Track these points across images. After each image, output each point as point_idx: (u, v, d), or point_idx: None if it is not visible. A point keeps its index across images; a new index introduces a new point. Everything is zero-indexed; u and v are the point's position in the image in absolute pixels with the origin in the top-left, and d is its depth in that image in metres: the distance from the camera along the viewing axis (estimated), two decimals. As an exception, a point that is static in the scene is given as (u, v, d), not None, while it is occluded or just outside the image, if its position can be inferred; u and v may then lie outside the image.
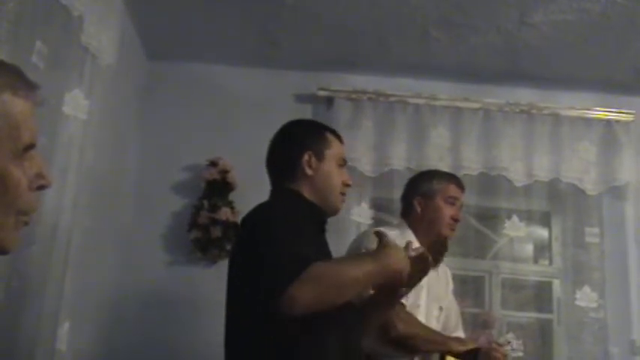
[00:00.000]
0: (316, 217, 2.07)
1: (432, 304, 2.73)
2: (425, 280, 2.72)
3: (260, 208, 1.98)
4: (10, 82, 1.06)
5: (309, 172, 2.08)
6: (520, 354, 2.75)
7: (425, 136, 3.58)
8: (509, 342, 2.75)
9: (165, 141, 3.63)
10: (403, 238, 2.70)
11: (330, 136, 2.16)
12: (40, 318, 2.25)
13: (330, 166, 2.11)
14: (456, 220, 2.75)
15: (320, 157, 2.10)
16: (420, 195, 2.78)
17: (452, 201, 2.76)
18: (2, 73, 1.07)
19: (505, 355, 2.65)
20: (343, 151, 2.20)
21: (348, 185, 2.15)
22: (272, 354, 1.78)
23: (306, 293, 1.65)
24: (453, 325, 2.85)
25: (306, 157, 2.08)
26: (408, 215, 2.80)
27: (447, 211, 2.73)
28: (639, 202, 3.60)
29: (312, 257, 1.72)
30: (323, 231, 2.12)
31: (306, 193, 2.07)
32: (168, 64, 3.72)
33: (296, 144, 2.13)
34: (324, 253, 2.00)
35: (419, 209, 2.75)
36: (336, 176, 2.12)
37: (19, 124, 1.05)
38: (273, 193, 2.14)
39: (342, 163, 2.17)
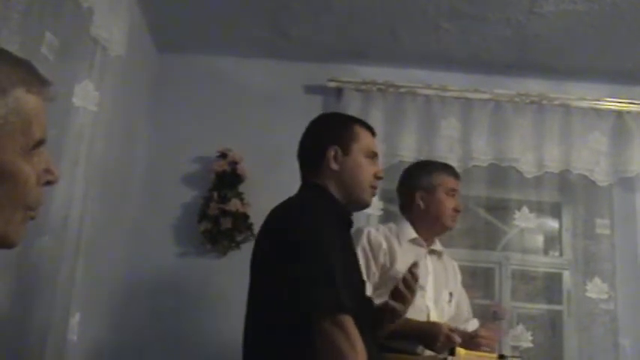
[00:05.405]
0: (340, 216, 2.07)
1: (441, 289, 2.78)
2: (430, 267, 2.77)
3: (288, 207, 2.00)
4: (23, 78, 1.07)
5: (334, 166, 2.09)
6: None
7: (435, 127, 3.57)
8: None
9: (175, 132, 3.64)
10: (400, 230, 2.76)
11: (358, 129, 2.17)
12: (51, 309, 2.26)
13: (357, 159, 2.12)
14: (457, 211, 2.81)
15: (346, 150, 2.11)
16: (422, 189, 2.81)
17: (452, 193, 2.81)
18: (16, 69, 1.07)
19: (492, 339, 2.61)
20: (373, 143, 2.21)
21: (379, 178, 2.16)
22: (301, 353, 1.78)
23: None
24: (464, 317, 2.88)
25: (332, 151, 2.09)
26: (409, 209, 2.84)
27: (449, 204, 2.78)
28: (650, 193, 3.58)
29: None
30: (348, 227, 2.13)
31: (333, 188, 2.08)
32: (177, 55, 3.72)
33: (322, 138, 2.14)
34: (347, 258, 2.00)
35: (422, 204, 2.80)
36: (365, 169, 2.12)
37: (31, 121, 1.07)
38: (301, 188, 2.16)
39: (372, 155, 2.17)
